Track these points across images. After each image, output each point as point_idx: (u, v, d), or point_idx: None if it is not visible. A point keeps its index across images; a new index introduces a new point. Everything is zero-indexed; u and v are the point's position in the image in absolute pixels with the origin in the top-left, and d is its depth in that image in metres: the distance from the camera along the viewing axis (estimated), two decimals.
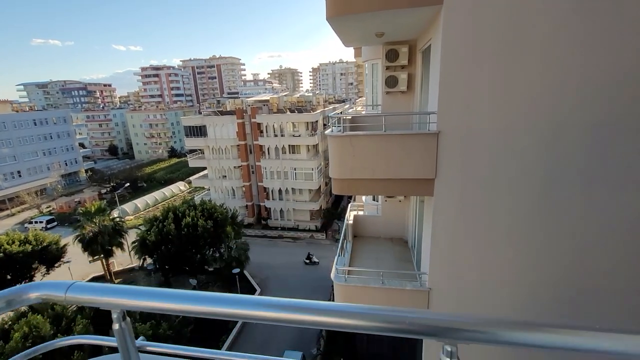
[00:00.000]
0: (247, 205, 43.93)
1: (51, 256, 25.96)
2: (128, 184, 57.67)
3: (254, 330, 24.13)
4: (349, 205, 10.82)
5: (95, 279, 31.79)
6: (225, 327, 24.01)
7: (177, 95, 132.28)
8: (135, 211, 50.97)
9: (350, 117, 6.41)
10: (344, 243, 8.21)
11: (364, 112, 10.68)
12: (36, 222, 45.59)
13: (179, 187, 62.36)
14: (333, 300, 24.70)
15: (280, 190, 41.40)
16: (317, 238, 39.36)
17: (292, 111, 41.84)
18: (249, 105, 43.57)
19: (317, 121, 40.46)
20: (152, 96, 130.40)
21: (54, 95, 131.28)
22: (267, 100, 45.31)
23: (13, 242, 24.02)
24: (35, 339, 13.73)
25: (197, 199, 36.45)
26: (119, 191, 50.82)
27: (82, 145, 75.29)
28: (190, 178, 66.31)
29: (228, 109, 44.82)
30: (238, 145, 41.91)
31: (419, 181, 5.47)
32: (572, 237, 4.85)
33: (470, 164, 5.08)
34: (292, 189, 40.92)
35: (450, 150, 5.15)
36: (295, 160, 39.93)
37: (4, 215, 52.07)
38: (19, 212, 53.26)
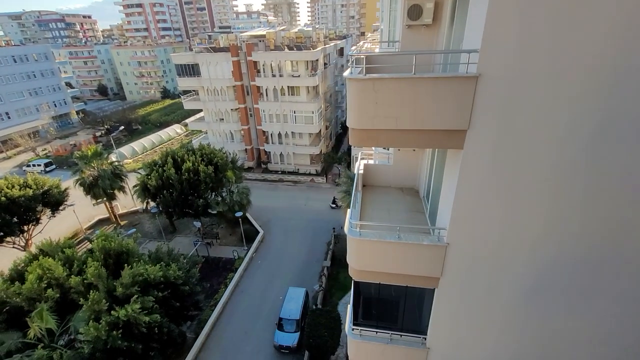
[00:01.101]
0: (246, 149, 43.26)
1: (54, 200, 26.04)
2: (123, 127, 56.05)
3: (258, 269, 25.43)
4: (359, 153, 10.30)
5: (100, 221, 32.58)
6: (231, 267, 25.25)
7: (164, 29, 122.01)
8: (133, 154, 50.33)
9: (375, 55, 5.55)
10: (356, 194, 7.88)
11: (376, 50, 9.54)
12: (34, 165, 45.20)
13: (175, 130, 60.84)
14: (332, 248, 25.59)
15: (279, 134, 40.40)
16: (317, 182, 39.59)
17: (290, 48, 38.77)
18: (244, 41, 40.18)
19: (317, 60, 37.75)
20: (137, 30, 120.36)
21: (30, 29, 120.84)
22: (263, 36, 41.70)
23: (13, 187, 23.85)
24: (50, 280, 14.27)
25: (195, 143, 35.65)
26: (114, 134, 49.59)
27: (69, 85, 71.37)
28: (187, 121, 64.49)
29: (221, 45, 41.47)
30: (234, 86, 39.64)
31: (449, 132, 4.89)
32: (617, 193, 4.48)
33: (513, 114, 4.45)
34: (292, 132, 39.87)
35: (490, 97, 4.48)
36: (294, 103, 38.18)
37: (0, 158, 51.43)
38: (14, 154, 52.54)
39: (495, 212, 5.17)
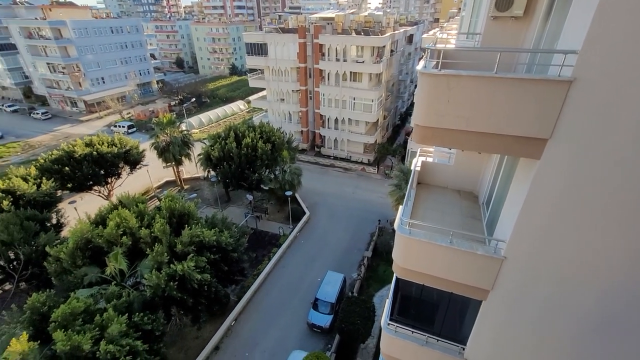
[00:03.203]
0: (302, 131, 44.14)
1: (133, 159, 29.48)
2: (194, 98, 60.59)
3: (300, 248, 26.35)
4: (418, 149, 9.94)
5: (167, 183, 36.20)
6: (275, 242, 26.52)
7: (238, 7, 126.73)
8: (200, 125, 54.46)
9: (451, 48, 5.20)
10: (410, 192, 7.69)
11: (452, 41, 8.93)
12: (119, 127, 51.37)
13: (238, 106, 64.14)
14: (375, 240, 25.33)
15: (336, 120, 40.38)
16: (368, 171, 39.15)
17: (358, 33, 37.89)
18: (312, 23, 40.25)
19: (384, 46, 36.48)
20: (214, 7, 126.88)
21: (125, 2, 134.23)
22: (331, 19, 41.27)
23: (103, 143, 27.48)
24: (125, 228, 16.43)
25: (256, 120, 37.26)
26: (186, 105, 53.86)
27: (152, 56, 78.72)
28: (250, 98, 67.46)
29: (290, 27, 42.07)
30: (298, 68, 40.25)
31: (526, 140, 4.48)
32: None
33: (608, 125, 3.91)
34: (349, 119, 39.56)
35: (583, 105, 3.99)
36: (355, 89, 37.63)
37: (94, 118, 59.29)
38: (105, 115, 60.13)
39: (569, 231, 4.68)
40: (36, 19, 59.15)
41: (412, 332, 7.65)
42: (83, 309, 12.55)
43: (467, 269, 5.83)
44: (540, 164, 4.52)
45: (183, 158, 32.28)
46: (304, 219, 29.30)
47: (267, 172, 28.65)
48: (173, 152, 31.01)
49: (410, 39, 50.69)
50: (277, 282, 23.10)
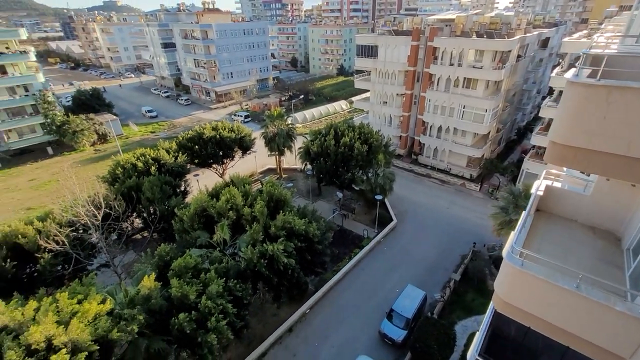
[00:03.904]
0: (400, 136, 42.89)
1: (246, 145, 33.46)
2: (302, 95, 65.11)
3: (382, 255, 25.78)
4: (543, 172, 8.52)
5: (269, 170, 39.94)
6: (358, 244, 26.56)
7: (354, 10, 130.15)
8: (304, 121, 58.22)
9: (612, 55, 4.23)
10: (526, 218, 6.67)
11: (612, 46, 7.32)
12: (238, 116, 58.96)
13: (341, 106, 66.11)
14: (466, 263, 22.87)
15: (440, 128, 37.85)
16: (468, 187, 35.63)
17: (479, 35, 34.53)
18: (428, 25, 38.44)
19: (509, 51, 32.37)
20: (332, 10, 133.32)
21: (257, 7, 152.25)
22: (451, 20, 38.64)
23: (225, 129, 31.96)
24: (232, 204, 18.84)
25: (356, 120, 37.78)
26: (294, 101, 58.26)
27: (272, 55, 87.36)
28: (352, 98, 68.76)
29: (404, 29, 41.09)
30: (406, 71, 39.12)
31: None
32: None
33: None
34: (455, 128, 36.60)
35: None
36: (467, 97, 34.52)
37: (221, 106, 69.44)
38: (229, 105, 69.82)
39: None
40: (191, 22, 72.29)
41: None
42: (193, 265, 14.94)
43: (597, 325, 4.76)
44: None
45: (285, 149, 35.10)
46: (391, 225, 28.52)
47: (360, 173, 28.85)
48: (278, 143, 34.01)
49: (545, 42, 43.76)
50: (354, 282, 23.17)
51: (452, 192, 34.97)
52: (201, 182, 28.79)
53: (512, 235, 6.00)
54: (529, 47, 38.30)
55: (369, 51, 41.86)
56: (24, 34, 47.22)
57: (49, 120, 45.54)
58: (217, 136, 30.78)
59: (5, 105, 44.42)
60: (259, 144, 35.80)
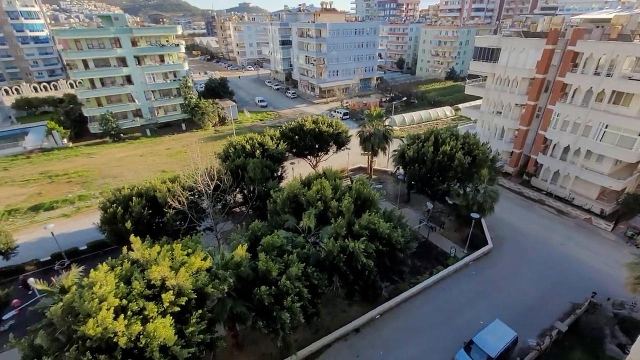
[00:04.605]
0: (512, 152, 37.69)
1: (341, 141, 34.28)
2: (404, 98, 63.13)
3: (469, 279, 23.27)
4: None
5: (359, 169, 40.08)
6: (442, 261, 24.58)
7: (477, 9, 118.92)
8: (402, 124, 56.45)
9: None
10: None
11: None
12: (337, 112, 60.74)
13: (444, 112, 61.77)
14: (579, 314, 18.80)
15: (567, 148, 31.81)
16: (596, 224, 29.15)
17: None
18: (572, 26, 32.48)
19: None
20: (450, 10, 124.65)
21: (372, 8, 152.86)
22: (605, 20, 31.86)
23: (324, 123, 33.32)
24: (321, 195, 19.56)
25: (461, 129, 34.67)
26: (395, 102, 56.88)
27: (379, 55, 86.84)
28: (459, 105, 63.59)
29: (537, 30, 35.61)
30: (532, 79, 33.97)
31: None
32: None
33: None
34: (588, 151, 30.23)
35: None
36: (613, 115, 27.99)
37: (322, 102, 72.65)
38: (330, 101, 72.51)
39: None
40: (308, 22, 77.15)
41: None
42: (279, 245, 16.10)
43: None
44: None
45: (379, 150, 34.65)
46: (484, 249, 25.51)
47: (457, 186, 26.54)
48: (373, 143, 33.80)
49: None
50: (432, 300, 21.58)
51: (571, 227, 29.18)
52: (296, 170, 30.74)
53: None
54: None
55: (489, 54, 37.79)
56: (180, 30, 58.04)
57: (186, 101, 55.05)
58: (316, 129, 32.29)
59: (160, 87, 55.56)
60: (354, 142, 36.19)
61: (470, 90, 42.13)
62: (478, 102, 47.79)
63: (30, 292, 21.48)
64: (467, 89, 42.69)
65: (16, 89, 75.07)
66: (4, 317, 19.13)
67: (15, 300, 20.36)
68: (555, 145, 32.90)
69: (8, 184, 37.41)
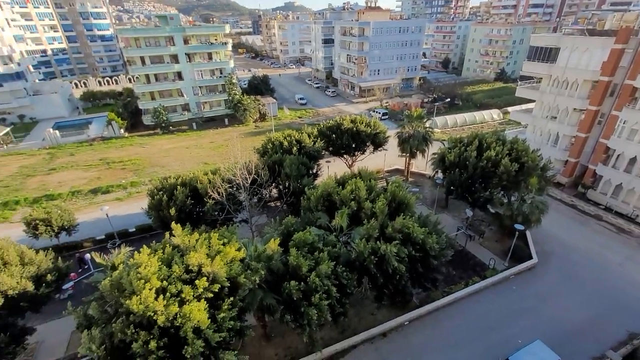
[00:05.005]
0: (567, 161, 34.63)
1: (378, 141, 33.71)
2: (448, 99, 60.52)
3: (508, 294, 21.83)
4: None
5: (396, 170, 39.17)
6: (479, 272, 23.29)
7: (534, 5, 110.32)
8: (444, 126, 54.21)
9: None
10: None
11: None
12: (376, 112, 59.79)
13: (491, 115, 58.32)
14: (635, 346, 16.80)
15: (634, 159, 28.58)
16: None
17: None
18: None
19: None
20: (504, 7, 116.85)
21: (418, 5, 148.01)
22: None
23: (362, 123, 32.97)
24: (355, 195, 19.40)
25: (509, 134, 32.57)
26: (438, 104, 54.68)
27: (423, 54, 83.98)
28: (508, 108, 59.79)
29: (605, 28, 32.22)
30: (596, 82, 30.87)
31: None
32: None
33: None
34: None
35: None
36: None
37: (362, 101, 71.89)
38: (370, 100, 71.55)
39: None
40: (352, 20, 76.62)
41: None
42: (310, 242, 16.25)
43: None
44: None
45: (418, 152, 33.59)
46: (528, 263, 23.77)
47: (501, 194, 24.98)
48: (411, 145, 32.84)
49: None
50: (465, 312, 20.56)
51: (632, 246, 26.21)
52: (331, 169, 30.80)
53: None
54: None
55: (546, 54, 34.95)
56: (228, 29, 60.60)
57: (230, 97, 57.42)
58: (354, 129, 32.06)
59: (207, 83, 58.54)
60: (392, 143, 35.44)
61: (522, 93, 39.34)
62: (530, 105, 44.47)
63: (86, 267, 23.83)
64: (519, 91, 39.90)
65: (84, 83, 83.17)
66: (64, 287, 21.37)
67: (72, 274, 22.66)
68: (619, 155, 29.68)
69: (73, 168, 41.65)
